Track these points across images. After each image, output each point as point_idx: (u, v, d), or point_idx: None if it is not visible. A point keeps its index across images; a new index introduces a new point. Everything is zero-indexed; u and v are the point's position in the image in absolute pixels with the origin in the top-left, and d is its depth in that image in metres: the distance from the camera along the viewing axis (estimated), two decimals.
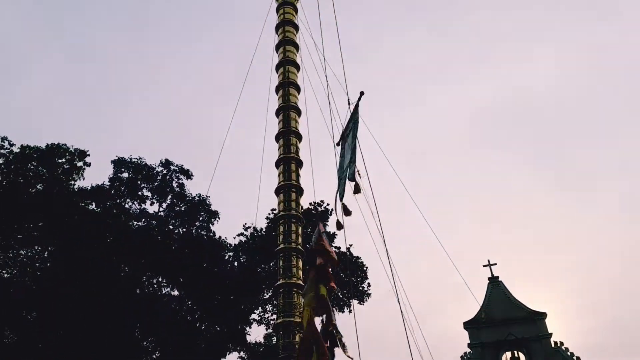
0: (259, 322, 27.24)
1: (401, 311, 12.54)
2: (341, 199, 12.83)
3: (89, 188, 24.23)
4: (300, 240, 14.39)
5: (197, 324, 22.85)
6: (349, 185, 12.85)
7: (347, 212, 13.15)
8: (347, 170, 13.07)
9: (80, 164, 24.54)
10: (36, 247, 17.47)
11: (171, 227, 25.33)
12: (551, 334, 26.92)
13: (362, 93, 14.53)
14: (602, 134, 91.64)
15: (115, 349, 16.73)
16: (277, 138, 16.22)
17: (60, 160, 23.45)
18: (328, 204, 28.27)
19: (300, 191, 15.38)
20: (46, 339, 16.38)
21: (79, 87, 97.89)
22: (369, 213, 13.36)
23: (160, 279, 23.87)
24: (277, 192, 15.37)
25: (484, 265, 29.24)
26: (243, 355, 27.65)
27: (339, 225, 13.13)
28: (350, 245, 27.89)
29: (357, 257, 28.33)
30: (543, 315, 27.25)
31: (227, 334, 24.22)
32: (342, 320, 30.81)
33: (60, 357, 16.28)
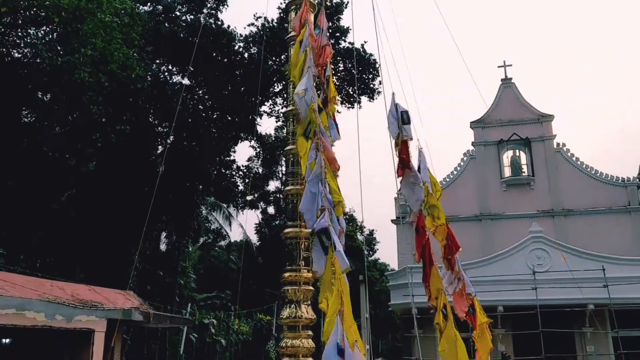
0: (269, 115, 27.79)
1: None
2: None
3: None
4: (312, 27, 13.83)
5: (209, 113, 23.30)
6: None
7: None
8: None
9: None
10: (45, 28, 16.91)
11: (178, 13, 24.33)
12: (555, 135, 27.51)
13: None
14: None
15: (132, 132, 17.28)
16: None
17: None
18: None
19: None
20: (62, 118, 16.82)
21: None
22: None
23: (170, 67, 23.74)
24: None
25: (498, 66, 28.83)
26: (254, 145, 28.77)
27: None
28: (365, 42, 27.05)
29: (370, 54, 27.68)
30: (550, 117, 27.57)
31: (238, 123, 24.77)
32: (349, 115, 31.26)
33: (74, 134, 16.82)
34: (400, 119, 6.55)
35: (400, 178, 6.70)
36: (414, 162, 6.70)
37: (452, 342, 6.21)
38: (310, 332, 5.92)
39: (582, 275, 20.67)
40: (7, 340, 7.80)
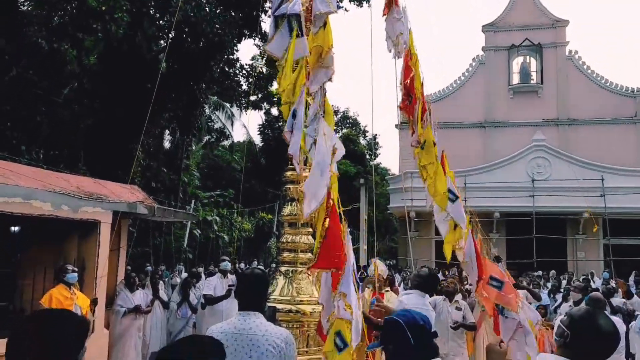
0: None
1: None
2: None
3: None
4: None
5: (212, 7, 22.46)
6: None
7: None
8: None
9: None
10: None
11: None
12: (568, 42, 26.73)
13: None
14: None
15: (131, 23, 16.75)
16: None
17: None
18: None
19: None
20: (60, 7, 16.23)
21: None
22: None
23: None
24: None
25: None
26: (258, 43, 28.01)
27: None
28: None
29: None
30: (565, 22, 26.64)
31: (242, 20, 23.97)
32: None
33: (72, 24, 16.30)
34: None
35: (385, 16, 6.36)
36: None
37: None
38: (309, 230, 6.07)
39: (580, 185, 20.93)
40: (16, 228, 8.05)
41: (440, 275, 15.00)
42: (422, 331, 2.36)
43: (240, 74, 25.00)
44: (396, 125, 28.31)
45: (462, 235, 5.32)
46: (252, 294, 3.23)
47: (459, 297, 7.12)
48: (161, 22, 20.86)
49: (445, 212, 5.45)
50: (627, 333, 8.68)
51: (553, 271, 18.84)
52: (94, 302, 6.53)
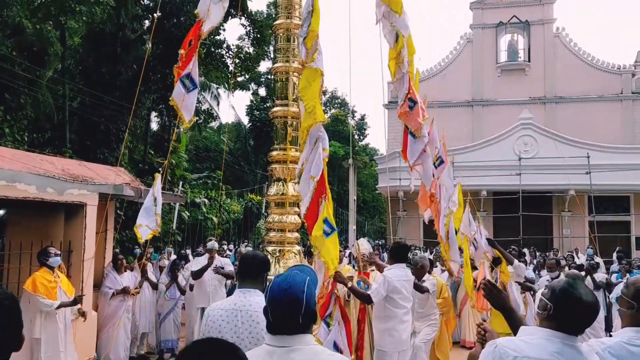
0: None
1: None
2: None
3: None
4: None
5: None
6: None
7: None
8: None
9: None
10: None
11: None
12: (555, 19, 26.74)
13: None
14: None
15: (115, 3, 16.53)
16: None
17: None
18: None
19: None
20: None
21: None
22: None
23: None
24: None
25: None
26: (244, 22, 27.69)
27: None
28: None
29: None
30: None
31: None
32: None
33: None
34: None
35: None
36: None
37: None
38: (296, 209, 6.08)
39: (566, 162, 21.08)
40: (1, 212, 7.99)
41: (427, 254, 15.16)
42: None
43: (227, 54, 24.73)
44: (385, 105, 28.25)
45: (403, 45, 5.37)
46: (254, 274, 3.24)
47: (427, 277, 6.87)
48: (145, 1, 20.58)
49: (391, 23, 5.42)
50: (609, 306, 8.90)
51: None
52: (79, 300, 6.35)
